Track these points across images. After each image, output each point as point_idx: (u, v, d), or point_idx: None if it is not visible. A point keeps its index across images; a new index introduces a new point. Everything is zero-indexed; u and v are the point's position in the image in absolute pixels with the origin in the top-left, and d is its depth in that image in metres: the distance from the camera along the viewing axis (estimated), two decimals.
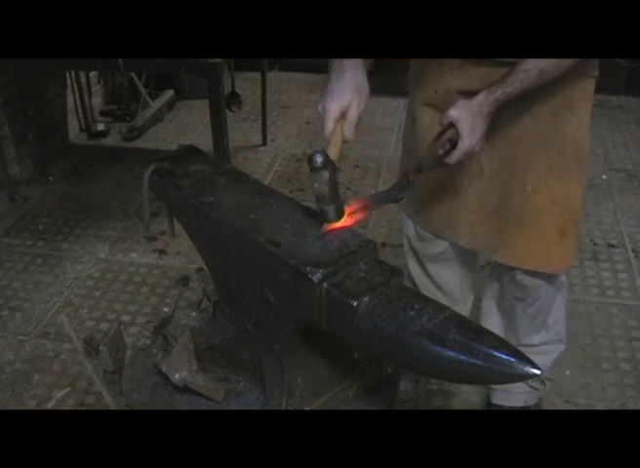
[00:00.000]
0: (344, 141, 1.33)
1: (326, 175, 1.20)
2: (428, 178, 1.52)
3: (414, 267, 1.96)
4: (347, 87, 1.33)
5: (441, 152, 1.38)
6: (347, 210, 1.25)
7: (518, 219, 1.61)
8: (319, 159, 1.20)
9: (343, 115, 1.33)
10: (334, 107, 1.31)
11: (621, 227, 3.04)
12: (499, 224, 1.64)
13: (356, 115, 1.33)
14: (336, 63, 1.36)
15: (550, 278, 1.73)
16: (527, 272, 1.69)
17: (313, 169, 1.20)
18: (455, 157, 1.38)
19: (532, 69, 1.34)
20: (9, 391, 2.20)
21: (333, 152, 1.29)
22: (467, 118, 1.34)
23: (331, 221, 1.24)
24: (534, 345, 1.84)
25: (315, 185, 1.21)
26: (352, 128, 1.33)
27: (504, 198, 1.60)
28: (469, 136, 1.35)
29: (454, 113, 1.35)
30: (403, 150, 1.84)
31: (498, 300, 1.87)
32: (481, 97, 1.36)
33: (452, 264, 1.91)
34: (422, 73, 1.61)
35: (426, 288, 1.94)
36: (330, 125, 1.32)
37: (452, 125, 1.36)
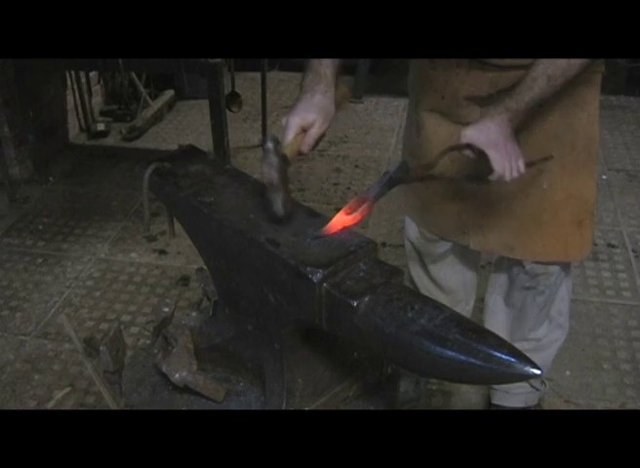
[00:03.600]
0: (299, 154, 1.35)
1: (276, 160, 1.24)
2: (435, 181, 1.52)
3: (416, 270, 1.96)
4: (314, 106, 1.35)
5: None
6: (346, 211, 1.25)
7: (535, 217, 1.62)
8: (270, 143, 1.24)
9: (305, 131, 1.34)
10: (295, 121, 1.34)
11: (621, 227, 3.03)
12: (513, 224, 1.64)
13: (317, 133, 1.35)
14: (307, 86, 1.38)
15: (562, 263, 1.74)
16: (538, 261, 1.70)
17: (264, 150, 1.24)
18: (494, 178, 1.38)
19: (539, 77, 1.33)
20: (9, 391, 2.20)
21: (286, 154, 1.30)
22: (500, 151, 1.34)
23: (276, 211, 1.26)
24: (539, 339, 1.85)
25: (264, 169, 1.24)
26: (310, 143, 1.35)
27: (519, 198, 1.61)
28: (501, 166, 1.35)
29: (478, 138, 1.34)
30: (406, 155, 1.80)
31: (505, 294, 1.87)
32: (497, 119, 1.35)
33: (455, 264, 1.91)
34: (427, 79, 1.59)
35: (428, 290, 1.94)
36: (289, 137, 1.34)
37: (468, 146, 1.35)
